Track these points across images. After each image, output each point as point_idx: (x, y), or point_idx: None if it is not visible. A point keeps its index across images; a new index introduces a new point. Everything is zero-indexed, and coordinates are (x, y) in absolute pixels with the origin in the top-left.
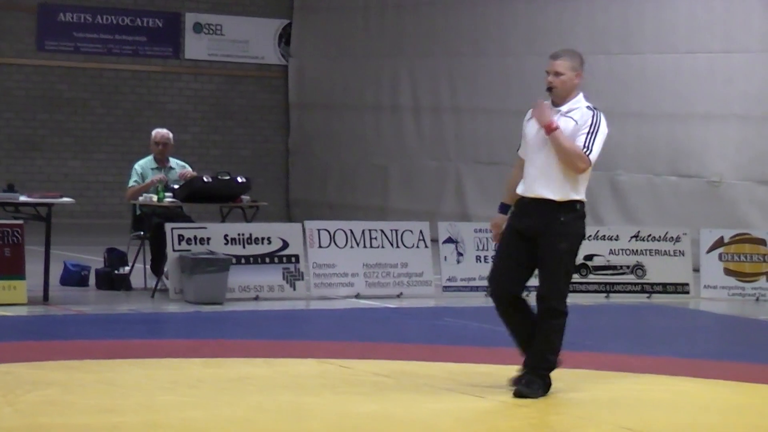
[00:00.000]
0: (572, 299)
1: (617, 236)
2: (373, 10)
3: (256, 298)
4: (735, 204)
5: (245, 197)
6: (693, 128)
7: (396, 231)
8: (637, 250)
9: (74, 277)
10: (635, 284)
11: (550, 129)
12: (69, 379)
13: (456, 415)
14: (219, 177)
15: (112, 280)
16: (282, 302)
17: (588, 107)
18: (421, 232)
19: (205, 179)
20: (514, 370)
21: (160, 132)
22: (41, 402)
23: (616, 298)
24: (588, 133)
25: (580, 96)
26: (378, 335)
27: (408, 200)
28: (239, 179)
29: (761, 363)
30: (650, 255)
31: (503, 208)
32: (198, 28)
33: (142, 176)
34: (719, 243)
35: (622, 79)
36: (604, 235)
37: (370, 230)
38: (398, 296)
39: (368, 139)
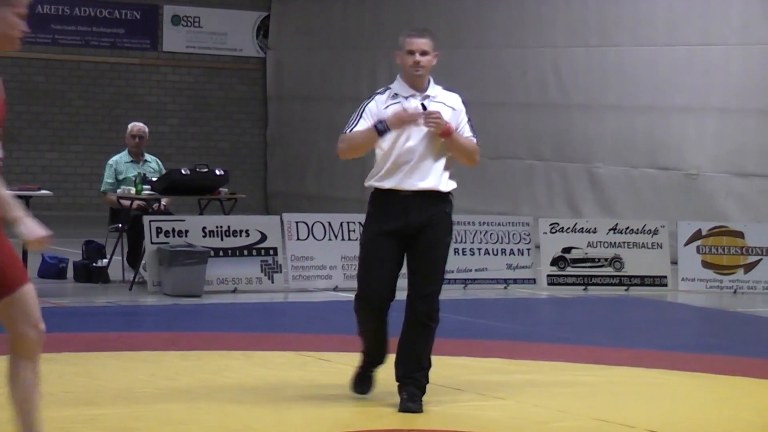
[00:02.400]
0: (550, 292)
1: (595, 229)
2: (351, 2)
3: (234, 291)
4: (713, 196)
5: (223, 189)
6: (671, 121)
7: None
8: (615, 243)
9: (52, 270)
10: (613, 277)
11: (449, 134)
12: (47, 372)
13: (435, 407)
14: (197, 169)
15: (90, 273)
16: (260, 295)
17: (447, 89)
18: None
19: (183, 171)
20: (492, 363)
21: (137, 125)
22: None
23: (594, 291)
24: (469, 120)
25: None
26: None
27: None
28: (217, 171)
29: (739, 355)
30: (628, 248)
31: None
32: (176, 20)
33: (117, 171)
34: (697, 235)
35: (600, 72)
36: (582, 228)
37: (348, 222)
38: None
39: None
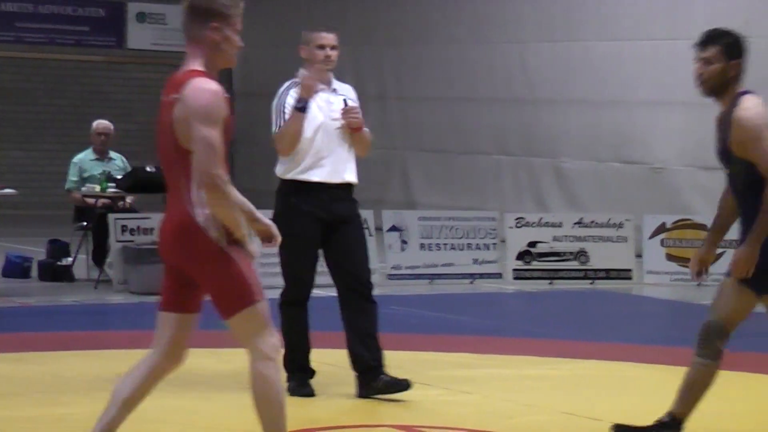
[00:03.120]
0: (516, 286)
1: (561, 223)
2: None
3: None
4: (678, 190)
5: None
6: (636, 115)
7: None
8: (580, 237)
9: (17, 269)
10: (579, 270)
11: (361, 128)
12: (13, 372)
13: (402, 402)
14: (160, 167)
15: (55, 272)
16: None
17: (340, 81)
18: (365, 220)
19: (148, 169)
20: (459, 357)
21: (102, 123)
22: None
23: (560, 285)
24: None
25: None
26: (324, 324)
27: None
28: None
29: None
30: (593, 241)
31: None
32: (141, 17)
33: (81, 169)
34: (661, 229)
35: (566, 67)
36: (548, 222)
37: None
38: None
39: None
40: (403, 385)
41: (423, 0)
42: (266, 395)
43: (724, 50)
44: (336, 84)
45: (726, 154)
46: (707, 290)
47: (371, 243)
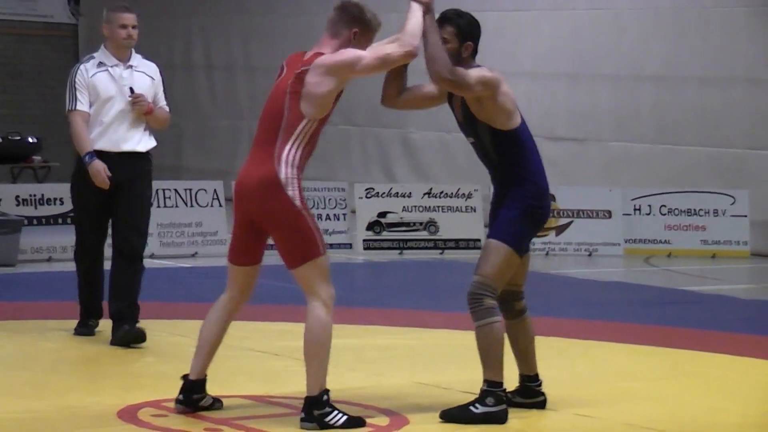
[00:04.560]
0: (366, 256)
1: (410, 193)
2: None
3: (49, 260)
4: None
5: (37, 157)
6: None
7: (190, 190)
8: (429, 207)
9: None
10: (428, 240)
11: (150, 112)
12: None
13: (251, 371)
14: (9, 137)
15: None
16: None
17: (146, 59)
18: (215, 191)
19: None
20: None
21: None
22: None
23: (410, 255)
24: (164, 89)
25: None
26: (174, 295)
27: (202, 159)
28: (30, 139)
29: (550, 317)
30: (443, 212)
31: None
32: None
33: None
34: None
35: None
36: (397, 192)
37: (164, 190)
38: (193, 255)
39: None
40: (140, 335)
41: None
42: (320, 338)
43: (458, 31)
44: (137, 60)
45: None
46: (554, 260)
47: (221, 213)
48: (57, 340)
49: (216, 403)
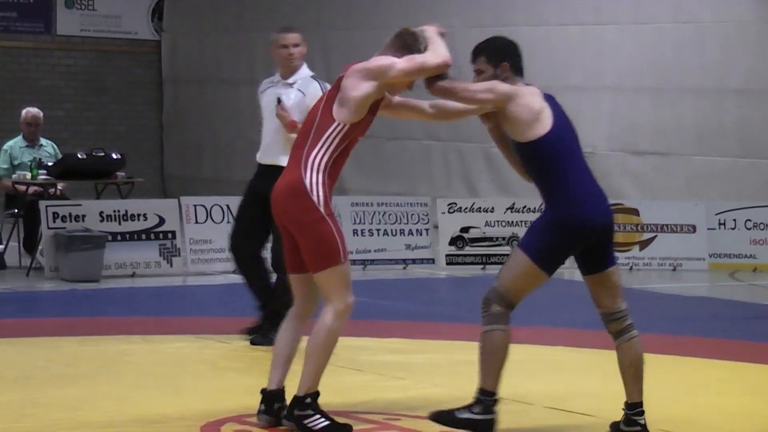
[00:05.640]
0: (449, 271)
1: (492, 208)
2: None
3: (133, 275)
4: (608, 174)
5: (120, 173)
6: (566, 100)
7: None
8: (512, 222)
9: None
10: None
11: (293, 126)
12: None
13: (335, 387)
14: (93, 153)
15: None
16: (159, 278)
17: (312, 76)
18: None
19: (79, 156)
20: (392, 343)
21: (31, 111)
22: None
23: (493, 270)
24: None
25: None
26: (255, 310)
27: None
28: (114, 155)
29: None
30: (525, 226)
31: None
32: (70, 3)
33: (12, 157)
34: None
35: None
36: (480, 207)
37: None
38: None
39: (243, 113)
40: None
41: None
42: (321, 343)
43: (487, 58)
44: (299, 77)
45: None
46: (638, 274)
47: None
48: (140, 354)
49: None
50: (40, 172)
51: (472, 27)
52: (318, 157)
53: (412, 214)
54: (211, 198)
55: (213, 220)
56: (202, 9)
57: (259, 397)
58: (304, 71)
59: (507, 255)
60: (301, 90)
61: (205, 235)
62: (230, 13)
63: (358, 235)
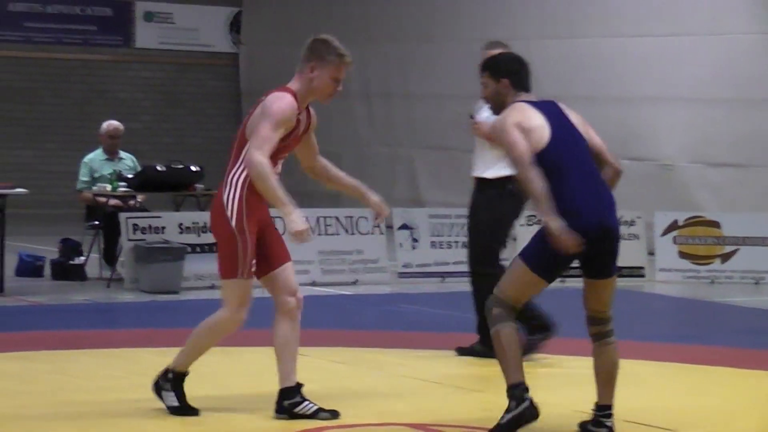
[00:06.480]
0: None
1: None
2: None
3: (212, 287)
4: (687, 187)
5: (199, 185)
6: (642, 112)
7: (351, 218)
8: None
9: (29, 268)
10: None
11: (489, 138)
12: (24, 370)
13: (411, 400)
14: (172, 165)
15: (67, 270)
16: None
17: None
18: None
19: (158, 168)
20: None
21: (113, 124)
22: None
23: (573, 283)
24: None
25: None
26: (334, 322)
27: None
28: (193, 167)
29: (716, 345)
30: None
31: None
32: (149, 16)
33: (92, 169)
34: (673, 226)
35: (571, 63)
36: None
37: (325, 217)
38: (354, 283)
39: (319, 126)
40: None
41: None
42: (200, 334)
43: (491, 73)
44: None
45: None
46: (719, 287)
47: (382, 241)
48: (218, 366)
49: (321, 413)
50: (120, 184)
51: (548, 38)
52: (236, 174)
53: None
54: None
55: None
56: (279, 22)
57: (337, 409)
58: None
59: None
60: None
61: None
62: (307, 26)
63: (436, 247)
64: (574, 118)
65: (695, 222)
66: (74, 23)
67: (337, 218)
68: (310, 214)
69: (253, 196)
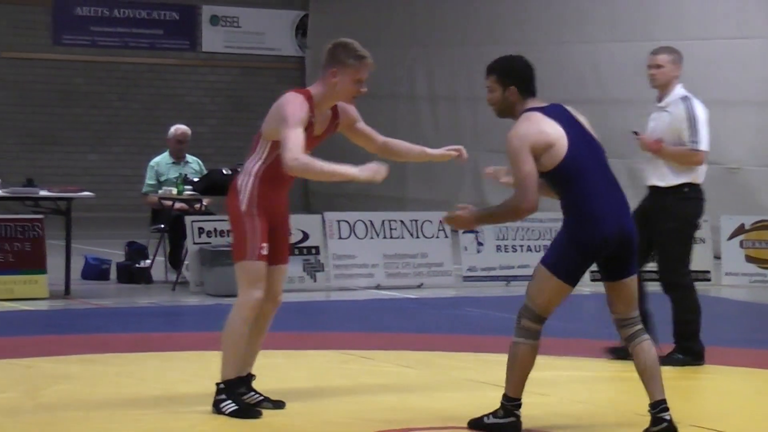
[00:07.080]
0: (593, 288)
1: None
2: (388, 0)
3: None
4: (754, 190)
5: None
6: (710, 115)
7: (416, 221)
8: None
9: (95, 271)
10: (655, 272)
11: (657, 150)
12: (90, 373)
13: (477, 404)
14: (238, 169)
15: (133, 274)
16: (302, 294)
17: (683, 98)
18: (440, 222)
19: (224, 171)
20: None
21: (181, 128)
22: (62, 396)
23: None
24: (693, 127)
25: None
26: (398, 326)
27: (426, 190)
28: None
29: None
30: None
31: None
32: (215, 20)
33: (158, 173)
34: (740, 230)
35: (636, 66)
36: None
37: (389, 221)
38: (418, 286)
39: (385, 128)
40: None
41: (494, 1)
42: (225, 334)
43: (498, 78)
44: (669, 99)
45: None
46: None
47: (446, 244)
48: (282, 369)
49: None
50: (186, 187)
51: (614, 42)
52: (252, 164)
53: (556, 230)
54: (355, 213)
55: (356, 236)
56: (345, 25)
57: (403, 414)
58: (676, 92)
59: (652, 272)
60: (670, 112)
61: (348, 250)
62: (373, 29)
63: (501, 251)
64: (583, 120)
65: (762, 226)
66: (141, 27)
67: (401, 222)
68: (375, 217)
69: (266, 186)
